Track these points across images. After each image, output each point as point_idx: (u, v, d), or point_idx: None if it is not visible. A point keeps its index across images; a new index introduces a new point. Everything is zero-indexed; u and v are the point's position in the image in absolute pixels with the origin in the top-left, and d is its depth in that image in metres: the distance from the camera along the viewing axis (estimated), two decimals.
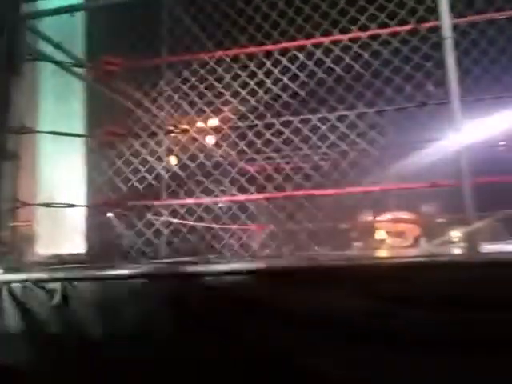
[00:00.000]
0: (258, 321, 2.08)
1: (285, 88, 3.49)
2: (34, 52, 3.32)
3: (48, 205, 3.04)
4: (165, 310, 2.24)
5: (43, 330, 2.33)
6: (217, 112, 3.62)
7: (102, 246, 3.71)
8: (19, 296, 2.44)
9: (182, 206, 3.62)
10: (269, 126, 3.50)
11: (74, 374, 2.21)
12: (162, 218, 3.62)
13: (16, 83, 3.14)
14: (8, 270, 2.58)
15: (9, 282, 2.47)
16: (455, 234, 4.97)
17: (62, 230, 3.65)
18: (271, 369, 2.02)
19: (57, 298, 2.30)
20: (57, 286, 2.33)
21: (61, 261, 3.56)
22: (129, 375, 2.13)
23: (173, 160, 3.90)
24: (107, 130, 3.09)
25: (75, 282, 2.37)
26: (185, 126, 3.59)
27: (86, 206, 3.70)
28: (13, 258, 3.21)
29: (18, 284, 2.47)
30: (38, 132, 3.26)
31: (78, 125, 4.11)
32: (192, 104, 3.50)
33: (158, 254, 3.63)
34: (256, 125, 3.54)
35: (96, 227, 3.84)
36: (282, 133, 3.47)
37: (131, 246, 3.22)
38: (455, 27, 2.73)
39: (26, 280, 2.46)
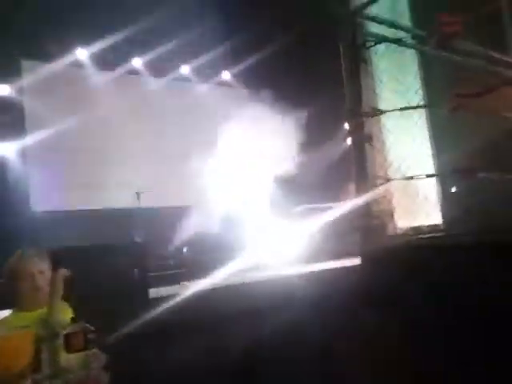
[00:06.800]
0: None
1: None
2: (372, 36, 3.48)
3: (409, 178, 3.14)
4: None
5: None
6: None
7: (460, 215, 3.61)
8: None
9: None
10: None
11: None
12: None
13: (363, 69, 3.38)
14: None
15: None
16: None
17: (417, 202, 3.72)
18: None
19: None
20: None
21: (419, 232, 3.65)
22: None
23: None
24: (456, 93, 2.97)
25: None
26: None
27: (444, 175, 3.66)
28: (377, 230, 3.49)
29: None
30: (387, 111, 3.42)
31: (413, 99, 4.11)
32: None
33: None
34: None
35: (451, 196, 3.76)
36: None
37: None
38: None
39: None
